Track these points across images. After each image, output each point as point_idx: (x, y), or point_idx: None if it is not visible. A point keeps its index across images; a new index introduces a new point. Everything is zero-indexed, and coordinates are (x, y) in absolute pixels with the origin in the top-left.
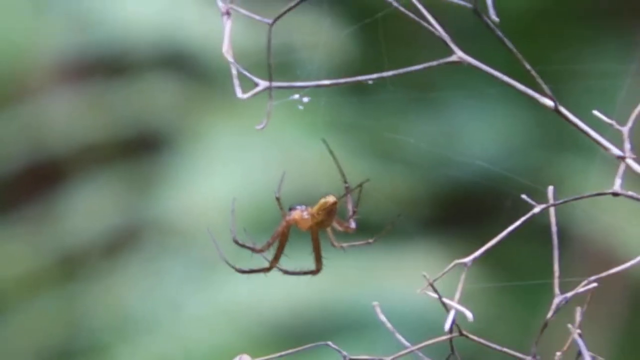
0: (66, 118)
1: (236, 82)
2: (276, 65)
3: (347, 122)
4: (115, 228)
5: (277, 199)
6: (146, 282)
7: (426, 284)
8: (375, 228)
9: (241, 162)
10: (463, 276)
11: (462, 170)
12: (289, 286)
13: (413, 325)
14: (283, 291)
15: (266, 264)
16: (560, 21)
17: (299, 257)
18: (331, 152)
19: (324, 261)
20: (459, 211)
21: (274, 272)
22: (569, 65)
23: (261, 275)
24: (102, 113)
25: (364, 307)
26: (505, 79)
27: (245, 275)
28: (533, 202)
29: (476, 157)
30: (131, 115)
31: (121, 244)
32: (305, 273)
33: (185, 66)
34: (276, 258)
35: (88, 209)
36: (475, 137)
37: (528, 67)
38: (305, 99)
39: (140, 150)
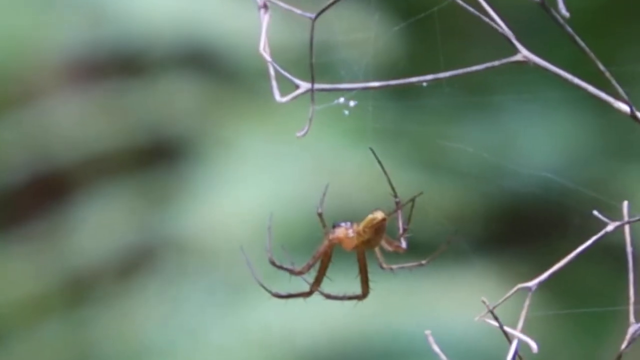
0: (75, 123)
1: (274, 84)
2: (317, 65)
3: (394, 129)
4: (129, 247)
5: (320, 214)
6: (164, 308)
7: (485, 310)
8: (425, 247)
9: (272, 173)
10: (527, 302)
11: (522, 181)
12: (326, 312)
13: (467, 356)
14: (319, 318)
15: (306, 288)
16: (628, 17)
17: (342, 280)
18: (380, 163)
19: (372, 285)
20: (518, 228)
21: (313, 297)
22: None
23: (295, 300)
24: (115, 118)
25: (410, 336)
26: (576, 81)
27: (278, 301)
28: (606, 219)
29: (537, 168)
30: (148, 121)
31: (136, 264)
32: (350, 298)
33: (209, 65)
34: (317, 281)
35: (99, 226)
36: (535, 145)
37: (602, 67)
38: (352, 103)
39: (157, 159)
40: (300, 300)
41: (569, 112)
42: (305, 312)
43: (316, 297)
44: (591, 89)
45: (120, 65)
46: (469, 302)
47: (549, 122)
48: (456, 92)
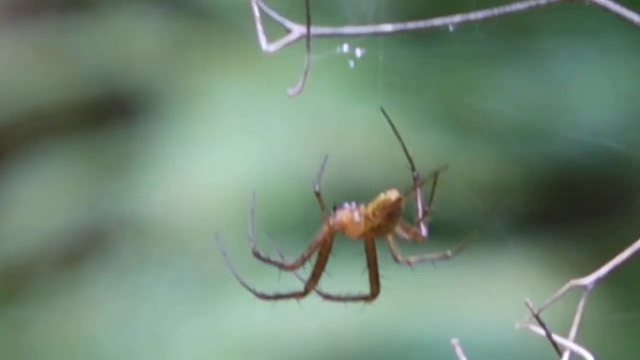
0: (7, 72)
1: (259, 27)
2: (317, 4)
3: (412, 83)
4: (75, 228)
5: (317, 194)
6: (119, 306)
7: (527, 313)
8: (450, 231)
9: (257, 135)
10: (581, 303)
11: (572, 148)
12: (323, 313)
13: None
14: (314, 320)
15: (301, 287)
16: None
17: (345, 276)
18: (392, 125)
19: (382, 281)
20: (567, 205)
21: (298, 286)
22: None
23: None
24: (57, 65)
25: (430, 343)
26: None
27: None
28: None
29: (591, 131)
30: (99, 68)
31: (84, 251)
32: (355, 299)
33: None
34: (314, 278)
35: (37, 201)
36: (589, 102)
37: None
38: (359, 52)
39: (111, 117)
40: (292, 300)
41: (633, 63)
42: (297, 312)
43: (312, 296)
44: None
45: None
46: (504, 300)
47: (607, 74)
48: (491, 38)
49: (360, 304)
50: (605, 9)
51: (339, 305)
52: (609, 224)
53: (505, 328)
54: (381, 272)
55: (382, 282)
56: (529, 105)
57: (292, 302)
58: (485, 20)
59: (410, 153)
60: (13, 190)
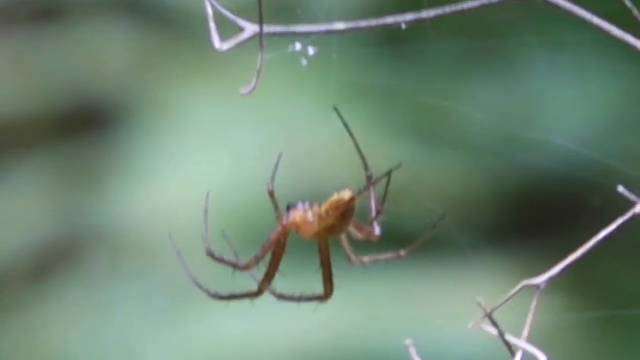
0: None
1: (212, 25)
2: (271, 5)
3: (374, 84)
4: (46, 240)
5: (271, 193)
6: (90, 318)
7: (482, 314)
8: (416, 239)
9: (228, 146)
10: (534, 303)
11: (542, 157)
12: (294, 324)
13: None
14: (285, 332)
15: (254, 287)
16: None
17: (301, 276)
18: (345, 124)
19: (337, 282)
20: (537, 215)
21: (272, 299)
22: None
23: (252, 307)
24: (28, 75)
25: (395, 350)
26: (602, 24)
27: (232, 310)
28: (634, 197)
29: (562, 139)
30: (69, 79)
31: (54, 263)
32: (309, 299)
33: (145, 9)
34: (268, 278)
35: (8, 212)
36: (560, 110)
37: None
38: (312, 51)
39: (82, 128)
40: (260, 309)
41: (607, 74)
42: (268, 323)
43: (277, 304)
44: (625, 36)
45: (34, 8)
46: (474, 310)
47: (577, 78)
48: (452, 39)
49: (315, 306)
50: (556, 6)
51: (309, 318)
52: (579, 236)
53: (467, 334)
54: (335, 272)
55: (337, 283)
56: (497, 112)
57: (262, 313)
58: (442, 20)
59: (367, 156)
60: None
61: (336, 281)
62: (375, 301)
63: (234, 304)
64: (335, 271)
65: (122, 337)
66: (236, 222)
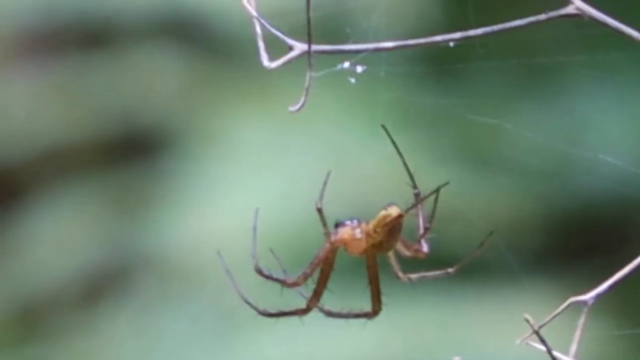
0: (27, 108)
1: (261, 44)
2: (319, 23)
3: (421, 103)
4: (94, 266)
5: (319, 210)
6: (138, 343)
7: (530, 331)
8: (469, 264)
9: (272, 170)
10: (582, 319)
11: (592, 178)
12: (343, 347)
13: None
14: (330, 352)
15: (303, 303)
16: None
17: (349, 294)
18: (393, 142)
19: (388, 304)
20: (587, 242)
21: (321, 324)
22: None
23: (299, 330)
24: (76, 102)
25: None
26: None
27: (279, 333)
28: None
29: (609, 157)
30: (117, 106)
31: (103, 288)
32: (357, 316)
33: (193, 35)
34: (316, 294)
35: (57, 239)
36: (607, 127)
37: None
38: (360, 69)
39: (130, 155)
40: (308, 333)
41: None
42: (315, 346)
43: (326, 328)
44: None
45: (83, 35)
46: (522, 332)
47: (626, 101)
48: (499, 58)
49: (363, 323)
50: (604, 25)
51: (356, 341)
52: (629, 258)
53: (515, 354)
54: (383, 290)
55: (385, 300)
56: (548, 134)
57: (308, 339)
58: (489, 38)
59: (415, 175)
60: (33, 228)
61: (384, 300)
62: (422, 323)
63: (282, 327)
64: (383, 289)
65: None
66: (284, 245)
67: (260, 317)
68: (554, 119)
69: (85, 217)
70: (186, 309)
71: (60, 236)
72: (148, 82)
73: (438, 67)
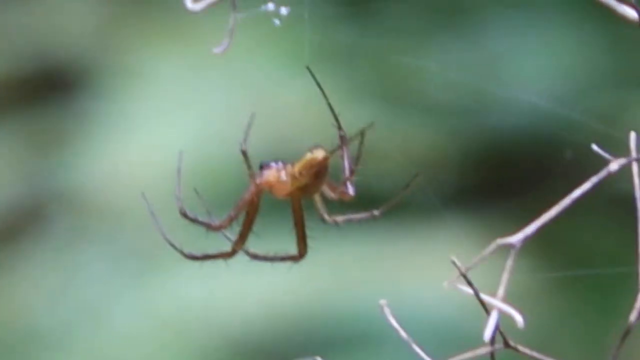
0: None
1: None
2: None
3: (343, 44)
4: (10, 204)
5: (243, 152)
6: (55, 281)
7: (457, 273)
8: (384, 198)
9: (193, 108)
10: (510, 262)
11: (507, 114)
12: (261, 286)
13: (437, 334)
14: (252, 294)
15: (228, 247)
16: None
17: (274, 236)
18: (318, 85)
19: (310, 243)
20: (503, 178)
21: (239, 261)
22: None
23: (220, 267)
24: None
25: (367, 312)
26: None
27: (198, 272)
28: (607, 155)
29: (527, 95)
30: (32, 43)
31: (19, 226)
32: (283, 259)
33: None
34: (242, 237)
35: None
36: (526, 74)
37: None
38: (284, 10)
39: (46, 92)
40: (227, 272)
41: (569, 23)
42: (234, 286)
43: (245, 266)
44: None
45: None
46: (440, 269)
47: (545, 46)
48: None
49: (288, 266)
50: None
51: (274, 280)
52: (544, 191)
53: (437, 294)
54: (308, 232)
55: (310, 243)
56: (465, 73)
57: (229, 276)
58: None
59: (340, 116)
60: None
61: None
62: (343, 261)
63: (200, 266)
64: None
65: (88, 299)
66: (202, 182)
67: (178, 256)
68: (472, 56)
69: (2, 155)
70: (104, 246)
71: None
72: (63, 19)
73: (358, 7)
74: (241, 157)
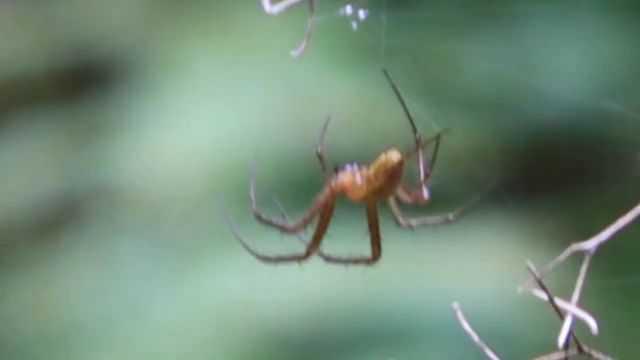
0: None
1: None
2: None
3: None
4: (50, 198)
5: (319, 155)
6: (95, 276)
7: (531, 279)
8: (445, 200)
9: (231, 102)
10: (584, 268)
11: (547, 108)
12: (303, 278)
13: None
14: (295, 289)
15: (302, 250)
16: None
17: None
18: (395, 89)
19: (350, 238)
20: (545, 173)
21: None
22: None
23: (259, 265)
24: (33, 33)
25: (410, 308)
26: None
27: (240, 267)
28: None
29: (567, 99)
30: (74, 36)
31: (59, 220)
32: (357, 262)
33: None
34: (317, 240)
35: (12, 171)
36: (565, 69)
37: None
38: (362, 14)
39: (87, 86)
40: (269, 266)
41: (609, 31)
42: (275, 280)
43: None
44: None
45: None
46: (483, 268)
47: (584, 42)
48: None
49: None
50: None
51: (317, 275)
52: (585, 192)
53: (483, 293)
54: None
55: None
56: (504, 69)
57: (269, 272)
58: None
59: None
60: None
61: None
62: (386, 258)
63: (242, 260)
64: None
65: (128, 293)
66: (239, 178)
67: (219, 248)
68: (510, 53)
69: (40, 148)
70: (143, 239)
71: (15, 167)
72: (106, 13)
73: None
74: (289, 159)
